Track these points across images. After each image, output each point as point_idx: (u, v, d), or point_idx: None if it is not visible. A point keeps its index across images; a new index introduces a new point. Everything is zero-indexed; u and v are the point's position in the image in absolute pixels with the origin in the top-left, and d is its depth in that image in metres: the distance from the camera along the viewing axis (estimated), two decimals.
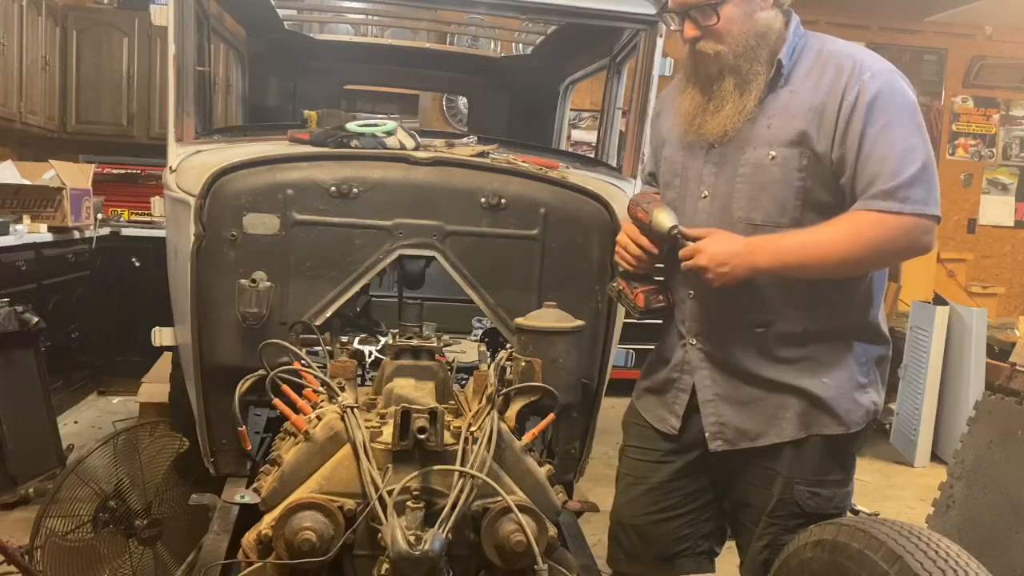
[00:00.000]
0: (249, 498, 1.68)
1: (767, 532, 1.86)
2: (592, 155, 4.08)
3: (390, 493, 1.40)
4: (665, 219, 1.80)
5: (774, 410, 1.84)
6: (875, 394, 1.87)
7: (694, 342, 1.90)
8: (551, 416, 1.79)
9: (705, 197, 1.85)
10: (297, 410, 1.73)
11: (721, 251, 1.73)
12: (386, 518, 1.36)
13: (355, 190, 2.13)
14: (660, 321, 2.00)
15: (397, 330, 2.00)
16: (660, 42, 2.64)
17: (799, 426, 1.83)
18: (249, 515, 1.73)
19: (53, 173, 4.85)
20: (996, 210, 7.90)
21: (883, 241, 1.69)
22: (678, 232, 1.79)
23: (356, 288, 2.17)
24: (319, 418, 1.59)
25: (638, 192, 2.04)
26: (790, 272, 1.75)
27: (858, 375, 1.83)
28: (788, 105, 1.76)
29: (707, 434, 1.89)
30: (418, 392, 1.64)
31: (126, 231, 5.54)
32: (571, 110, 4.49)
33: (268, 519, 1.47)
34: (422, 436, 1.45)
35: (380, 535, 1.37)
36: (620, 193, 2.41)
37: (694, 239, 1.77)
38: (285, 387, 1.79)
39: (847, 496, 1.89)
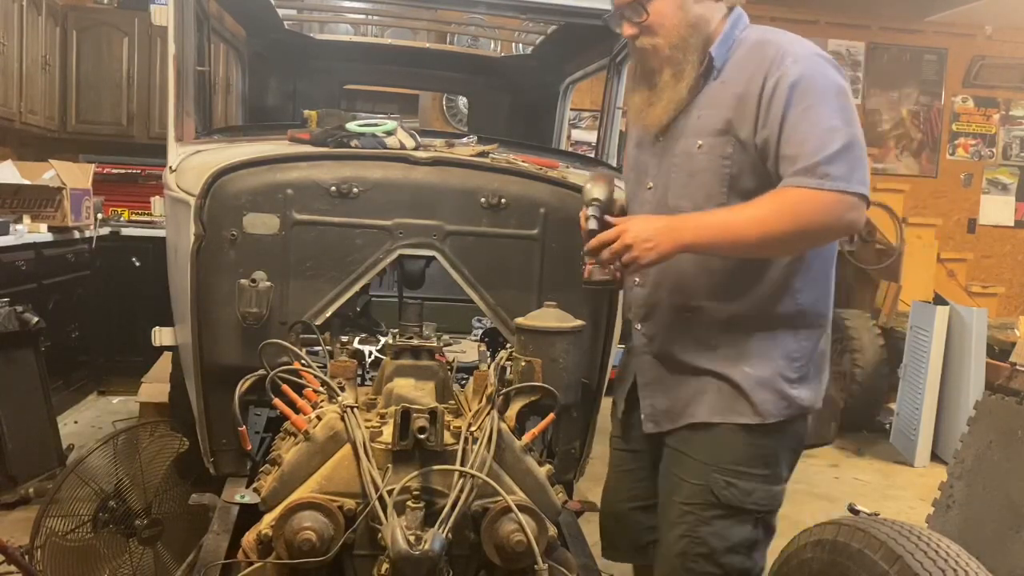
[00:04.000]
0: (249, 498, 1.69)
1: (683, 520, 1.84)
2: (592, 155, 4.08)
3: (390, 493, 1.40)
4: (589, 190, 1.84)
5: (692, 393, 1.85)
6: (806, 390, 1.83)
7: (639, 327, 1.95)
8: (551, 416, 1.79)
9: (650, 188, 1.90)
10: (297, 410, 1.73)
11: (646, 228, 1.73)
12: (386, 518, 1.36)
13: (355, 190, 2.13)
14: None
15: (397, 330, 2.00)
16: None
17: (711, 410, 1.83)
18: (249, 515, 1.73)
19: (53, 173, 4.85)
20: (996, 210, 7.90)
21: (804, 216, 1.67)
22: (595, 204, 1.81)
23: (356, 288, 2.16)
24: (319, 418, 1.59)
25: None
26: (716, 248, 1.74)
27: (786, 369, 1.81)
28: (717, 96, 1.79)
29: (643, 416, 1.94)
30: (418, 392, 1.64)
31: (126, 231, 5.54)
32: (571, 110, 4.49)
33: (268, 519, 1.47)
34: (422, 436, 1.45)
35: (380, 535, 1.37)
36: (620, 193, 2.41)
37: (610, 224, 1.77)
38: (285, 387, 1.79)
39: (772, 496, 1.84)
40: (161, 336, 2.56)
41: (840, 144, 1.65)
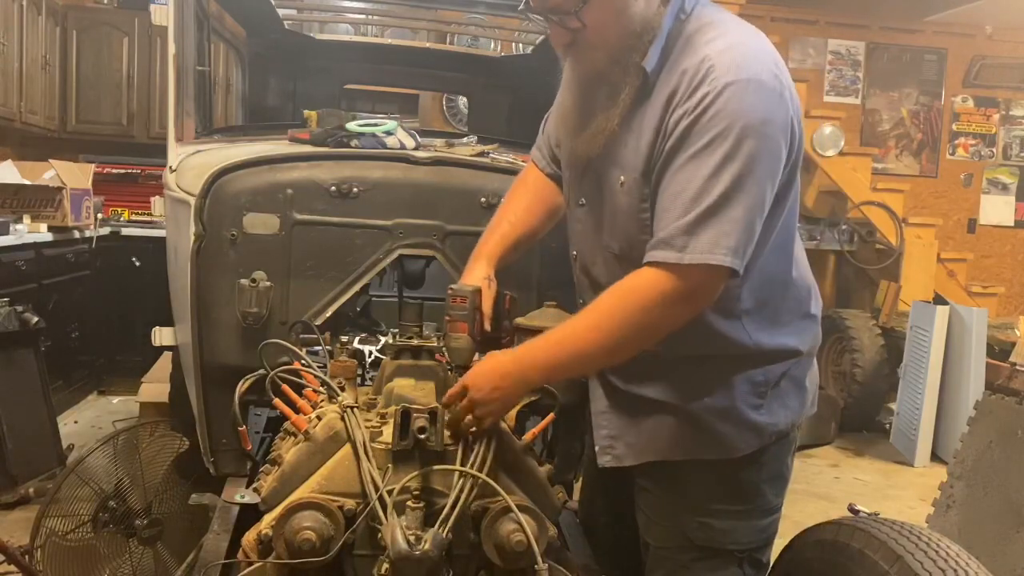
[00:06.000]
0: (249, 498, 1.68)
1: (660, 566, 1.68)
2: None
3: (390, 493, 1.40)
4: (452, 356, 1.65)
5: (650, 427, 1.64)
6: (779, 410, 1.61)
7: None
8: (551, 416, 1.78)
9: (582, 205, 1.67)
10: (297, 410, 1.73)
11: (484, 376, 1.50)
12: (386, 518, 1.36)
13: (355, 190, 2.13)
14: None
15: (397, 330, 2.00)
16: None
17: (671, 447, 1.62)
18: (249, 515, 1.73)
19: (53, 173, 4.85)
20: (996, 210, 7.90)
21: (654, 307, 1.42)
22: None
23: (356, 288, 2.17)
24: (319, 418, 1.59)
25: (467, 284, 1.74)
26: (572, 373, 1.57)
27: (750, 394, 1.59)
28: (642, 121, 1.50)
29: (597, 448, 1.71)
30: (418, 392, 1.64)
31: (126, 231, 5.55)
32: None
33: (268, 519, 1.47)
34: (422, 436, 1.45)
35: (380, 535, 1.37)
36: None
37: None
38: (285, 387, 1.79)
39: (758, 531, 1.64)
40: (161, 336, 2.56)
41: (713, 199, 1.36)
